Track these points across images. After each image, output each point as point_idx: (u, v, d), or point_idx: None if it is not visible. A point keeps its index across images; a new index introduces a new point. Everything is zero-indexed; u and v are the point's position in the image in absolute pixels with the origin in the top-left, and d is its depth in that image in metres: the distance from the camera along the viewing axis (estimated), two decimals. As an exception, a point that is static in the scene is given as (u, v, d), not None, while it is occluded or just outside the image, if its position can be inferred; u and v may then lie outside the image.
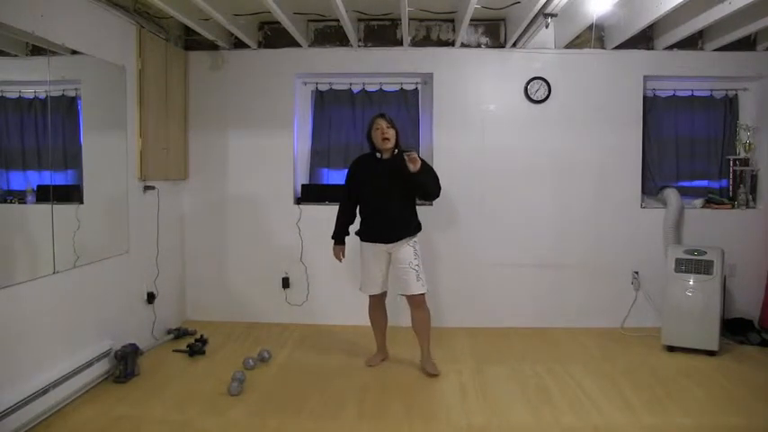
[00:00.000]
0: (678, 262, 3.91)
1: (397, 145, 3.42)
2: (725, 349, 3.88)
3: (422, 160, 3.27)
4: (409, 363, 3.65)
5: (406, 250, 3.38)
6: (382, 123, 3.37)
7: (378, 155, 3.43)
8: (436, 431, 2.78)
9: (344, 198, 3.58)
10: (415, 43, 4.46)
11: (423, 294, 3.41)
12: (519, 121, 4.45)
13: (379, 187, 3.39)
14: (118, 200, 3.57)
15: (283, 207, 4.52)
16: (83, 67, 3.22)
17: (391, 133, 3.37)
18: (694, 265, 3.86)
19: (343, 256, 3.62)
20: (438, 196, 3.46)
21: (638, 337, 4.22)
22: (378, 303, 3.59)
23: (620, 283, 4.49)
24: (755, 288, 4.34)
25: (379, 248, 3.43)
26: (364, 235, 3.47)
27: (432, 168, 3.46)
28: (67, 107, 3.13)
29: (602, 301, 4.48)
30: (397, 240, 3.38)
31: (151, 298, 3.93)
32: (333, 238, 3.60)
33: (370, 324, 3.68)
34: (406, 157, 3.18)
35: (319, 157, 4.68)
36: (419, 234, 3.47)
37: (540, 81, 4.42)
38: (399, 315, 4.16)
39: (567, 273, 4.49)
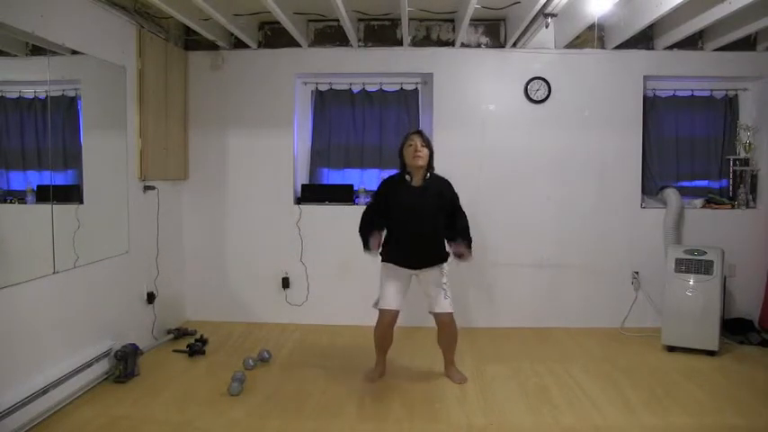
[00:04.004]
0: (678, 262, 3.91)
1: (429, 168, 3.25)
2: (725, 349, 3.87)
3: (458, 210, 3.29)
4: (410, 363, 3.66)
5: (433, 272, 3.27)
6: (417, 140, 3.20)
7: (407, 177, 3.24)
8: (436, 431, 2.78)
9: (371, 211, 3.33)
10: (415, 43, 4.46)
11: (451, 313, 3.28)
12: (519, 121, 4.45)
13: (409, 216, 3.20)
14: (118, 200, 3.57)
15: (283, 207, 4.52)
16: (83, 67, 3.22)
17: (425, 152, 3.19)
18: (694, 265, 3.86)
19: (380, 245, 3.23)
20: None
21: (638, 337, 4.22)
22: (388, 323, 3.31)
23: (620, 283, 4.49)
24: (755, 288, 4.34)
25: (404, 272, 3.29)
26: (389, 257, 3.29)
27: (467, 225, 3.33)
28: (67, 107, 3.13)
29: (602, 301, 4.49)
30: (423, 267, 3.27)
31: (151, 298, 3.93)
32: (365, 247, 3.20)
33: (368, 325, 3.55)
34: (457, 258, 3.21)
35: (319, 156, 4.68)
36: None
37: (540, 81, 4.42)
38: (401, 315, 4.15)
39: (567, 273, 4.49)
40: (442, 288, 3.26)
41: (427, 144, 3.25)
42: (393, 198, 3.26)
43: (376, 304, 3.34)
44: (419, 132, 3.28)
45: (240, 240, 4.56)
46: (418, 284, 3.35)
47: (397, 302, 3.30)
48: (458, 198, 3.34)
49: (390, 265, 3.30)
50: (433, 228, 3.24)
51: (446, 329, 3.33)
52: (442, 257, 3.31)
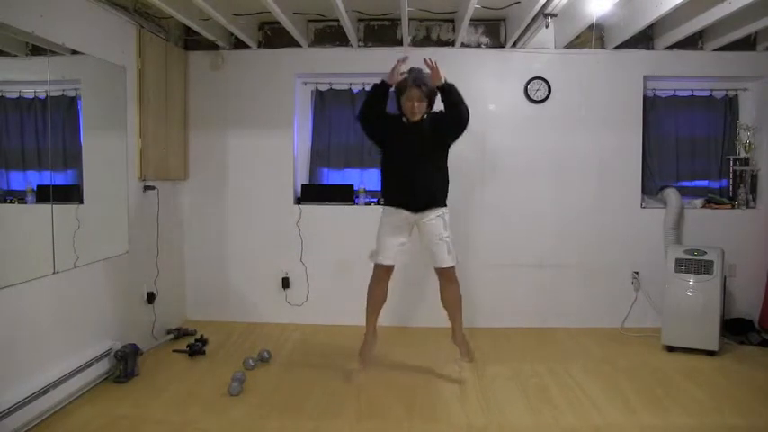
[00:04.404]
0: (678, 262, 3.91)
1: (428, 110, 3.22)
2: (725, 349, 3.87)
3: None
4: (409, 363, 3.65)
5: (434, 223, 3.20)
6: (415, 96, 3.11)
7: (404, 119, 3.23)
8: (436, 431, 2.78)
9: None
10: (415, 43, 4.45)
11: (453, 267, 3.27)
12: (519, 121, 4.45)
13: (408, 150, 3.18)
14: (118, 200, 3.57)
15: (283, 207, 4.52)
16: (83, 67, 3.22)
17: (422, 107, 3.15)
18: (694, 265, 3.86)
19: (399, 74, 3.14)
20: (468, 116, 3.16)
21: (638, 337, 4.22)
22: (383, 277, 3.30)
23: (620, 283, 4.49)
24: (755, 288, 4.34)
25: (404, 219, 3.23)
26: (390, 199, 3.28)
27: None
28: (67, 107, 3.13)
29: (602, 301, 4.49)
30: (425, 209, 3.20)
31: (151, 298, 3.93)
32: (380, 84, 3.16)
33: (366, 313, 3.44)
34: (426, 63, 3.04)
35: (319, 156, 4.68)
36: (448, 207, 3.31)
37: (540, 81, 4.42)
38: (400, 315, 4.16)
39: (566, 273, 4.48)
40: (443, 241, 3.22)
41: (428, 95, 3.16)
42: (391, 131, 3.23)
43: (372, 256, 3.31)
44: (418, 85, 3.12)
45: (240, 240, 4.56)
46: (420, 239, 3.31)
47: (394, 257, 3.26)
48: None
49: (390, 209, 3.27)
50: (431, 163, 3.20)
51: (448, 285, 3.32)
52: (443, 199, 3.27)
